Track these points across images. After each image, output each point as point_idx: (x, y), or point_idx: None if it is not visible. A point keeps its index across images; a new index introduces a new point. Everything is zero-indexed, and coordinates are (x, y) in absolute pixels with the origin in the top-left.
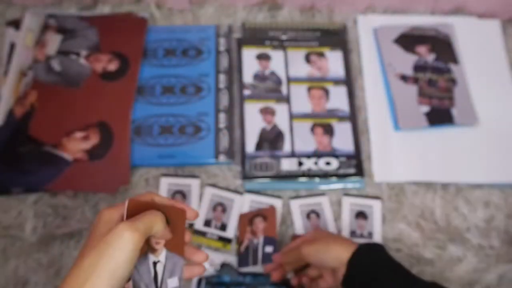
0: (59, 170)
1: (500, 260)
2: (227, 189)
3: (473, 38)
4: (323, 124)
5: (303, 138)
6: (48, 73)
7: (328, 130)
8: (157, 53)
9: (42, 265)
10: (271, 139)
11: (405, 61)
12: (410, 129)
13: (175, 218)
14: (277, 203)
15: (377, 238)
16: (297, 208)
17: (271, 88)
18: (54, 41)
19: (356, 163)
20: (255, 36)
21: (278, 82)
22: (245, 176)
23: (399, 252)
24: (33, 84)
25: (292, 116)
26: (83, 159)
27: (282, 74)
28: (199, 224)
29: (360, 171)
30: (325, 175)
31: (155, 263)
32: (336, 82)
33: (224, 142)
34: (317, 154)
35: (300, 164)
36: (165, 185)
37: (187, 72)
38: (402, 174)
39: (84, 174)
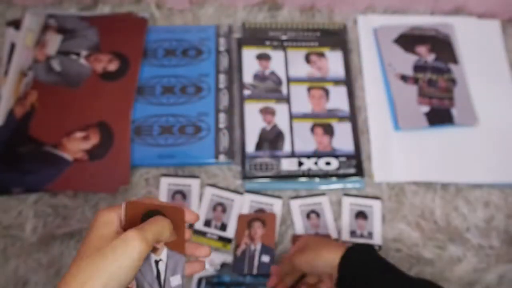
0: (59, 170)
1: (500, 260)
2: (227, 189)
3: (473, 38)
4: (323, 124)
5: (303, 138)
6: (48, 73)
7: (328, 130)
8: (157, 53)
9: (42, 265)
10: (271, 139)
11: (405, 61)
12: (410, 129)
13: (174, 217)
14: (277, 203)
15: (377, 238)
16: (297, 208)
17: (271, 88)
18: (54, 41)
19: (356, 163)
20: (255, 36)
21: (278, 82)
22: (245, 176)
23: (399, 252)
24: (33, 84)
25: (292, 116)
26: (83, 159)
27: (282, 74)
28: (199, 224)
29: (360, 171)
30: (325, 175)
31: (157, 262)
32: (336, 82)
33: (224, 142)
34: (317, 154)
35: (300, 164)
36: (165, 185)
37: (187, 72)
38: (402, 174)
39: (84, 174)
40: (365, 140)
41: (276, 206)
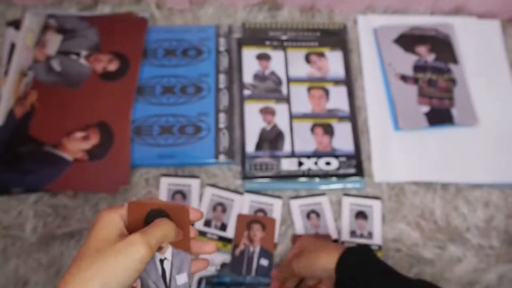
0: (59, 170)
1: (500, 260)
2: (227, 189)
3: (473, 38)
4: (323, 124)
5: (303, 138)
6: (48, 73)
7: (328, 130)
8: (157, 53)
9: (42, 265)
10: (271, 139)
11: (405, 61)
12: (410, 129)
13: (178, 215)
14: (277, 203)
15: (377, 238)
16: (297, 208)
17: (271, 88)
18: (54, 41)
19: (356, 163)
20: (255, 36)
21: (278, 82)
22: (245, 176)
23: (399, 252)
24: (33, 84)
25: (292, 116)
26: (83, 159)
27: (282, 74)
28: (199, 224)
29: (360, 171)
30: (325, 175)
31: (161, 261)
32: (336, 82)
33: (224, 142)
34: (317, 154)
35: (300, 164)
36: (165, 185)
37: (187, 72)
38: (402, 174)
39: (84, 174)
40: (365, 140)
41: (276, 206)
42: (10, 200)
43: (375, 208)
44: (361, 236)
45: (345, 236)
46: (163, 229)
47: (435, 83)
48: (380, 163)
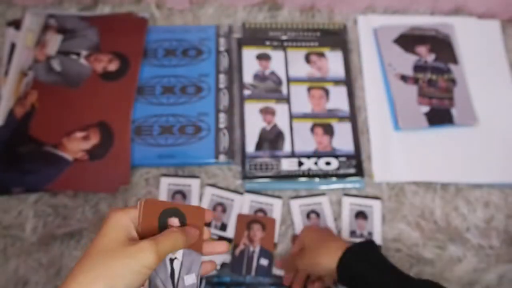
0: (59, 170)
1: (500, 260)
2: (227, 189)
3: (473, 38)
4: (323, 124)
5: (303, 138)
6: (49, 73)
7: (328, 130)
8: (157, 53)
9: (42, 265)
10: (271, 139)
11: (405, 61)
12: (410, 129)
13: (193, 216)
14: (277, 203)
15: (377, 238)
16: (297, 208)
17: (271, 88)
18: (54, 41)
19: (356, 163)
20: (255, 36)
21: (278, 82)
22: (245, 176)
23: (399, 252)
24: (33, 84)
25: (292, 116)
26: (83, 159)
27: (282, 74)
28: None
29: (360, 171)
30: (325, 175)
31: (172, 260)
32: (336, 82)
33: (224, 142)
34: (317, 154)
35: (300, 164)
36: (165, 185)
37: (187, 72)
38: (402, 174)
39: (84, 174)
40: (365, 140)
41: (276, 206)
42: (10, 200)
43: (375, 208)
44: (361, 236)
45: (345, 236)
46: (173, 238)
47: (435, 83)
48: (380, 163)
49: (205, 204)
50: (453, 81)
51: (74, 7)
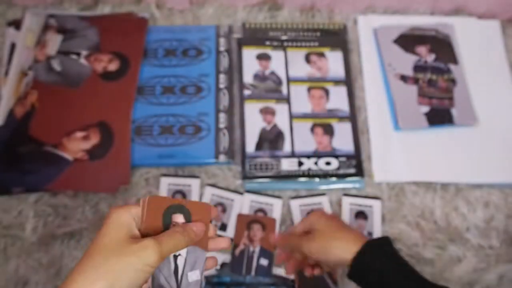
0: (59, 170)
1: (500, 260)
2: (227, 189)
3: (473, 38)
4: (323, 124)
5: (303, 138)
6: (49, 73)
7: (328, 130)
8: (157, 53)
9: (43, 265)
10: (271, 139)
11: (405, 61)
12: (410, 129)
13: (198, 212)
14: (277, 203)
15: None
16: (297, 208)
17: (271, 88)
18: (54, 41)
19: (356, 163)
20: (255, 36)
21: (278, 82)
22: (245, 176)
23: (399, 252)
24: (33, 84)
25: (292, 116)
26: (83, 159)
27: (282, 74)
28: None
29: (360, 171)
30: (325, 175)
31: (175, 256)
32: (336, 82)
33: (224, 142)
34: (317, 154)
35: (300, 164)
36: (165, 185)
37: (187, 72)
38: (402, 174)
39: (85, 174)
40: (365, 140)
41: (276, 206)
42: (10, 200)
43: (375, 208)
44: None
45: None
46: (176, 239)
47: (435, 83)
48: (380, 163)
49: None
50: (453, 81)
51: (74, 7)
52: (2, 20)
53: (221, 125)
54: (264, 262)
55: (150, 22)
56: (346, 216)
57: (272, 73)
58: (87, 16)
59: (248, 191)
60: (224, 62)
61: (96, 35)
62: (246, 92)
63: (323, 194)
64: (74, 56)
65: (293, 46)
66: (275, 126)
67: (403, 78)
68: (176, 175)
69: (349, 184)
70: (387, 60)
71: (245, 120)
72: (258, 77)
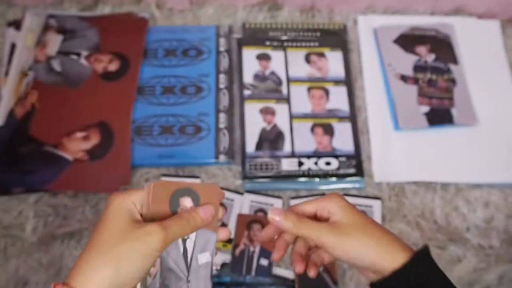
0: (59, 170)
1: (500, 260)
2: (227, 189)
3: (473, 38)
4: (323, 124)
5: (303, 138)
6: (49, 73)
7: (328, 130)
8: (158, 53)
9: (43, 265)
10: (271, 139)
11: (405, 61)
12: (410, 129)
13: (207, 195)
14: (277, 203)
15: None
16: None
17: (271, 88)
18: (54, 42)
19: (356, 163)
20: (255, 36)
21: (278, 82)
22: (245, 176)
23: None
24: (33, 85)
25: (292, 116)
26: (83, 159)
27: (282, 74)
28: None
29: (360, 171)
30: (325, 175)
31: (184, 240)
32: (336, 82)
33: (224, 142)
34: (317, 154)
35: (300, 164)
36: None
37: (187, 72)
38: (402, 174)
39: (85, 174)
40: (365, 140)
41: (276, 206)
42: (11, 200)
43: (375, 208)
44: None
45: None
46: (181, 225)
47: (435, 83)
48: (380, 163)
49: None
50: (453, 81)
51: (74, 7)
52: (2, 20)
53: (221, 125)
54: (264, 262)
55: (150, 22)
56: None
57: (272, 73)
58: (87, 16)
59: (248, 191)
60: (224, 62)
61: (96, 35)
62: (246, 92)
63: (323, 194)
64: (74, 57)
65: (293, 46)
66: (275, 126)
67: (403, 78)
68: (176, 175)
69: (349, 184)
70: (387, 60)
71: (245, 120)
72: (258, 77)
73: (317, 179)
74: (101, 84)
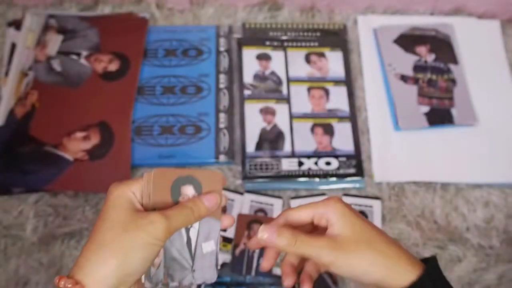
0: (59, 170)
1: (500, 260)
2: (227, 189)
3: (473, 39)
4: (323, 124)
5: (303, 138)
6: (49, 73)
7: (328, 130)
8: (158, 53)
9: (43, 265)
10: (271, 139)
11: (405, 61)
12: (410, 129)
13: (210, 183)
14: (277, 203)
15: None
16: None
17: (271, 88)
18: (54, 42)
19: (356, 163)
20: (255, 36)
21: (278, 82)
22: (245, 176)
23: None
24: (33, 84)
25: (292, 116)
26: (83, 159)
27: (282, 74)
28: None
29: (360, 171)
30: (325, 175)
31: (187, 229)
32: (336, 82)
33: (224, 142)
34: (317, 154)
35: (300, 164)
36: None
37: (187, 72)
38: (402, 174)
39: (85, 174)
40: (365, 140)
41: (276, 206)
42: (11, 200)
43: (375, 208)
44: None
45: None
46: (185, 216)
47: (435, 83)
48: (380, 163)
49: None
50: (453, 81)
51: (74, 7)
52: (2, 20)
53: (221, 125)
54: None
55: (150, 22)
56: None
57: (272, 73)
58: (87, 16)
59: (248, 191)
60: (224, 62)
61: (96, 36)
62: (246, 92)
63: (323, 194)
64: (74, 57)
65: (293, 46)
66: (275, 126)
67: (403, 78)
68: None
69: (349, 184)
70: (387, 60)
71: (245, 120)
72: (258, 77)
73: (317, 179)
74: (101, 84)
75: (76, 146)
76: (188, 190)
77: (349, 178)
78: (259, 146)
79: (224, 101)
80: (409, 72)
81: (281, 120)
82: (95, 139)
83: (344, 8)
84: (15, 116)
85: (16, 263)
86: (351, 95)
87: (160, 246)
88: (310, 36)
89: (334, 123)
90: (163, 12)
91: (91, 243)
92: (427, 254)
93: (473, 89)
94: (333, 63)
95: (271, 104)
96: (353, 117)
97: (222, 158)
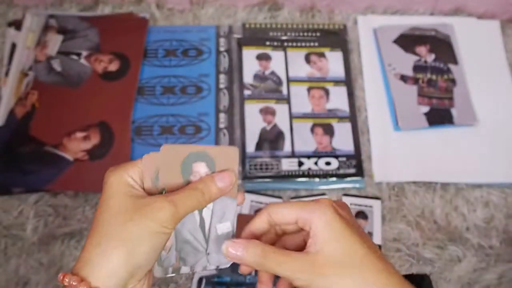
0: (59, 170)
1: (499, 260)
2: None
3: (473, 39)
4: (323, 124)
5: (303, 138)
6: (49, 74)
7: (328, 130)
8: (158, 53)
9: (43, 265)
10: (271, 139)
11: (405, 61)
12: (410, 129)
13: (225, 159)
14: None
15: (377, 238)
16: None
17: (271, 88)
18: (55, 42)
19: (356, 163)
20: (255, 36)
21: (278, 82)
22: (245, 176)
23: (398, 252)
24: (34, 85)
25: (292, 116)
26: (83, 159)
27: (282, 74)
28: None
29: (360, 171)
30: (325, 175)
31: (200, 209)
32: (336, 82)
33: (224, 142)
34: (317, 154)
35: (300, 164)
36: None
37: (187, 72)
38: (402, 174)
39: (85, 174)
40: (365, 140)
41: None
42: (11, 200)
43: (375, 208)
44: None
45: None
46: (195, 199)
47: (435, 83)
48: (380, 163)
49: None
50: (453, 81)
51: (74, 8)
52: (2, 20)
53: (221, 125)
54: None
55: (150, 22)
56: None
57: (272, 73)
58: (87, 16)
59: (248, 191)
60: (224, 62)
61: (96, 36)
62: (246, 92)
63: (323, 194)
64: (74, 57)
65: (293, 46)
66: (275, 126)
67: (403, 78)
68: None
69: (349, 184)
70: (387, 60)
71: (245, 120)
72: (258, 77)
73: (317, 179)
74: (101, 84)
75: (76, 146)
76: (201, 168)
77: (349, 178)
78: (259, 146)
79: (224, 101)
80: (409, 72)
81: (281, 120)
82: (95, 139)
83: (344, 8)
84: (15, 116)
85: (16, 263)
86: (351, 95)
87: (169, 233)
88: (310, 36)
89: (334, 123)
90: (163, 12)
91: (93, 236)
92: (427, 254)
93: (473, 89)
94: (333, 63)
95: (271, 104)
96: (353, 117)
97: None
